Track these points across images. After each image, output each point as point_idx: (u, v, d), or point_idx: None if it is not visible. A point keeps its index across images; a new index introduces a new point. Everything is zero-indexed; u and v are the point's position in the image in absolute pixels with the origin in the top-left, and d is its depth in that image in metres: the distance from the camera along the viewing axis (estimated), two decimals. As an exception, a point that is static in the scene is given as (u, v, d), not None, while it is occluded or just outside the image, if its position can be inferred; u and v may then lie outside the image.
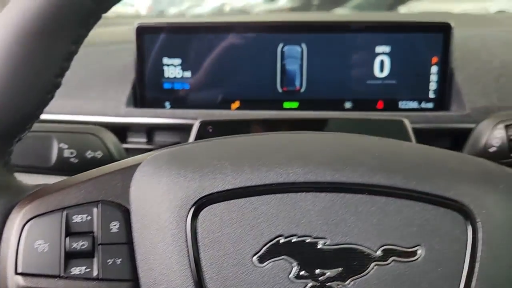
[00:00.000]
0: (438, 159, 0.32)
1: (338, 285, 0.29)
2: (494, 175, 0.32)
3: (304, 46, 0.64)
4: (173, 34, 0.65)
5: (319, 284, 0.29)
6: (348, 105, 0.65)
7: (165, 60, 0.66)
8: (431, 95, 0.65)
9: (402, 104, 0.65)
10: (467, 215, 0.30)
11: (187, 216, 0.30)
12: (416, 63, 0.64)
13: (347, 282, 0.29)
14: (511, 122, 0.49)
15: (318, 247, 0.29)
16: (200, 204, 0.30)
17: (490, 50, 0.67)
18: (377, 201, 0.30)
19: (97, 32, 0.90)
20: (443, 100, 0.65)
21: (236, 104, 0.67)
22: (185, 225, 0.30)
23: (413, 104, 0.65)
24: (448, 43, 0.63)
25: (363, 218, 0.29)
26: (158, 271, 0.29)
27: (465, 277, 0.29)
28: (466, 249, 0.29)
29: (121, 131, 0.67)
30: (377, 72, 0.65)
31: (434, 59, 0.64)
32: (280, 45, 0.64)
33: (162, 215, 0.30)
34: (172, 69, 0.66)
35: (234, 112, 0.65)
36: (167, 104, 0.67)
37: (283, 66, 0.65)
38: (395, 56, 0.64)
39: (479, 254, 0.29)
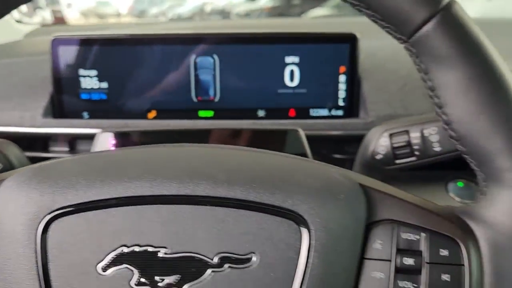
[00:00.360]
0: (284, 171, 0.34)
1: (176, 291, 0.31)
2: (334, 186, 0.34)
3: (216, 57, 0.66)
4: (88, 46, 0.66)
5: (157, 290, 0.31)
6: (261, 113, 0.68)
7: (81, 72, 0.67)
8: (341, 103, 0.68)
9: (313, 112, 0.68)
10: (302, 224, 0.32)
11: (37, 229, 0.31)
12: (325, 73, 0.67)
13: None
14: (395, 131, 0.51)
15: (159, 255, 0.31)
16: (52, 217, 0.32)
17: (398, 59, 0.70)
18: (217, 212, 0.32)
19: (23, 43, 0.91)
20: (351, 108, 0.68)
21: (153, 113, 0.68)
22: (35, 237, 0.31)
23: (324, 112, 0.68)
24: (354, 53, 0.66)
25: (202, 228, 0.31)
26: (10, 281, 0.31)
27: (297, 281, 0.31)
28: (299, 255, 0.32)
29: (41, 141, 0.69)
30: (287, 82, 0.67)
31: (342, 69, 0.67)
32: (193, 57, 0.66)
33: (15, 228, 0.31)
34: (89, 80, 0.67)
35: (149, 122, 0.67)
36: (85, 114, 0.68)
37: (196, 76, 0.67)
38: (304, 66, 0.66)
39: (311, 260, 0.31)
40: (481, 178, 0.35)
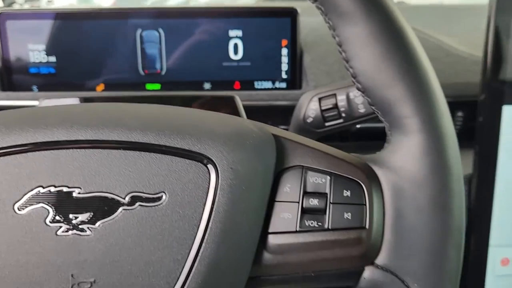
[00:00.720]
0: (197, 120, 0.37)
1: (89, 227, 0.33)
2: (245, 133, 0.36)
3: (161, 31, 0.68)
4: (35, 20, 0.68)
5: (71, 226, 0.33)
6: (207, 86, 0.70)
7: (30, 46, 0.68)
8: (284, 75, 0.70)
9: (258, 84, 0.71)
10: (210, 165, 0.34)
11: None
12: (267, 46, 0.69)
13: (97, 224, 0.33)
14: (323, 95, 0.54)
15: (73, 195, 0.33)
16: None
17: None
18: (130, 155, 0.34)
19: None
20: (294, 80, 0.70)
21: (101, 86, 0.70)
22: None
23: (268, 84, 0.71)
24: (295, 27, 0.69)
25: (115, 170, 0.34)
26: None
27: (205, 218, 0.34)
28: (207, 194, 0.34)
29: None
30: (232, 55, 0.70)
31: (284, 42, 0.69)
32: (139, 31, 0.68)
33: None
34: (37, 54, 0.69)
35: (97, 94, 0.69)
36: (34, 88, 0.70)
37: (143, 50, 0.69)
38: (247, 39, 0.69)
39: (217, 198, 0.34)
40: (386, 127, 0.38)
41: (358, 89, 0.38)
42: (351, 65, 0.37)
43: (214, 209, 0.34)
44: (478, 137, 0.62)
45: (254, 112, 0.64)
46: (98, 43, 0.69)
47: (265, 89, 0.70)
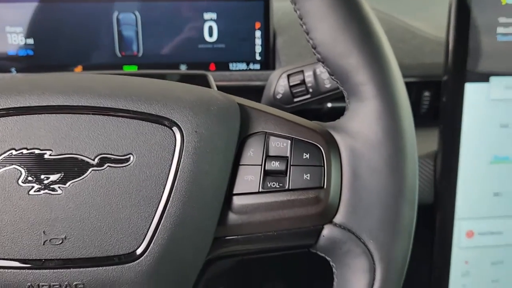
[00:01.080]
0: (165, 88, 0.39)
1: (60, 187, 0.35)
2: (210, 100, 0.38)
3: (137, 13, 0.70)
4: (13, 3, 0.69)
5: (43, 186, 0.35)
6: (183, 67, 0.72)
7: (8, 28, 0.70)
8: (258, 57, 0.72)
9: (232, 66, 0.72)
10: (175, 129, 0.36)
11: None
12: (241, 29, 0.71)
13: (67, 184, 0.35)
14: (292, 72, 0.56)
15: (45, 157, 0.35)
16: None
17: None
18: (99, 119, 0.36)
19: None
20: (267, 61, 0.72)
21: (79, 68, 0.72)
22: None
23: (242, 66, 0.73)
24: (268, 10, 0.71)
25: (85, 133, 0.35)
26: None
27: (171, 178, 0.36)
28: (173, 156, 0.36)
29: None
30: (207, 37, 0.71)
31: (257, 25, 0.71)
32: (116, 13, 0.70)
33: None
34: (15, 36, 0.70)
35: (75, 76, 0.70)
36: (13, 70, 0.71)
37: (119, 32, 0.70)
38: (221, 22, 0.71)
39: (182, 160, 0.36)
40: (345, 95, 0.40)
41: (318, 59, 0.40)
42: (311, 36, 0.39)
43: (179, 169, 0.36)
44: (442, 115, 0.64)
45: (228, 92, 0.66)
46: (75, 25, 0.70)
47: (239, 70, 0.72)
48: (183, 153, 0.36)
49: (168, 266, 0.36)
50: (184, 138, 0.36)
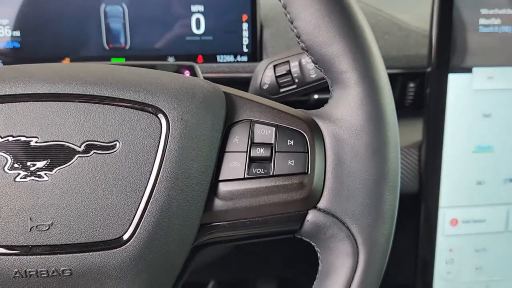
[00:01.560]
0: (151, 77, 0.39)
1: (46, 173, 0.35)
2: (195, 88, 0.39)
3: (124, 5, 0.70)
4: (-2, -5, 0.69)
5: (29, 173, 0.35)
6: (171, 60, 0.72)
7: (-6, 21, 0.69)
8: (245, 49, 0.73)
9: (220, 58, 0.73)
10: (161, 116, 0.37)
11: None
12: (229, 21, 0.72)
13: (54, 171, 0.35)
14: (278, 62, 0.57)
15: (31, 144, 0.35)
16: None
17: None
18: (85, 107, 0.36)
19: None
20: (255, 54, 0.73)
21: (66, 61, 0.71)
22: None
23: (230, 58, 0.73)
24: (255, 2, 0.71)
25: (71, 121, 0.36)
26: None
27: (157, 164, 0.36)
28: (159, 142, 0.36)
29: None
30: (194, 30, 0.72)
31: (245, 17, 0.72)
32: (103, 5, 0.70)
33: None
34: (1, 29, 0.70)
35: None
36: (-1, 62, 0.71)
37: (107, 25, 0.70)
38: (209, 14, 0.71)
39: (168, 146, 0.36)
40: (329, 83, 0.41)
41: (302, 48, 0.41)
42: (294, 25, 0.40)
43: (165, 156, 0.36)
44: (426, 106, 0.65)
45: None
46: (62, 18, 0.70)
47: (227, 62, 0.73)
48: (169, 140, 0.36)
49: (154, 252, 0.36)
50: (170, 125, 0.37)
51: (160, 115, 0.37)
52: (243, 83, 0.71)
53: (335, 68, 0.40)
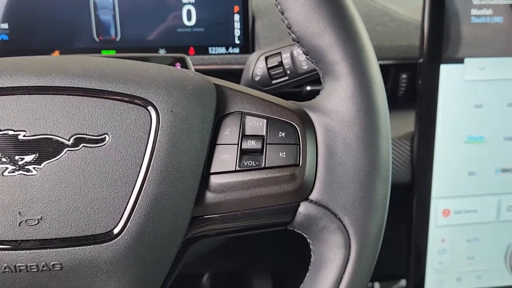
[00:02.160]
0: (141, 69, 0.39)
1: (34, 167, 0.35)
2: (185, 80, 0.38)
3: (114, -3, 0.69)
4: (-14, -14, 0.68)
5: (17, 167, 0.35)
6: (162, 52, 0.72)
7: (-19, 13, 0.68)
8: (237, 41, 0.72)
9: (212, 50, 0.72)
10: (151, 109, 0.36)
11: None
12: (220, 12, 0.71)
13: (42, 165, 0.35)
14: (270, 53, 0.57)
15: (19, 138, 0.35)
16: None
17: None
18: (73, 100, 0.36)
19: None
20: (247, 45, 0.72)
21: (56, 53, 0.71)
22: None
23: (222, 50, 0.72)
24: (246, -7, 0.70)
25: (59, 114, 0.35)
26: None
27: (147, 157, 0.36)
28: (149, 135, 0.36)
29: None
30: (185, 21, 0.71)
31: (236, 8, 0.71)
32: (92, -3, 0.69)
33: None
34: (-11, 21, 0.69)
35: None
36: (-13, 55, 0.70)
37: (97, 16, 0.70)
38: (200, 5, 0.70)
39: (158, 139, 0.36)
40: (320, 74, 0.41)
41: (293, 39, 0.40)
42: (285, 16, 0.39)
43: (155, 148, 0.36)
44: (419, 97, 0.65)
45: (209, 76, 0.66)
46: (51, 9, 0.69)
47: (219, 54, 0.72)
48: (159, 133, 0.36)
49: (145, 245, 0.36)
50: (160, 117, 0.36)
51: (150, 108, 0.36)
52: (235, 75, 0.71)
53: (326, 59, 0.39)
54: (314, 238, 0.40)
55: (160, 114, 0.36)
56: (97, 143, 0.36)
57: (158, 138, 0.36)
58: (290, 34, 0.40)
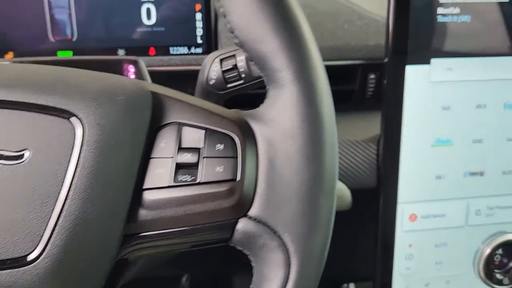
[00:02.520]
0: (70, 77, 0.36)
1: None
2: (117, 90, 0.36)
3: (69, -5, 0.66)
4: None
5: None
6: (121, 52, 0.69)
7: None
8: (199, 40, 0.70)
9: (173, 50, 0.70)
10: (76, 122, 0.34)
11: None
12: (181, 11, 0.69)
13: (-46, 184, 0.32)
14: (224, 56, 0.54)
15: None
16: None
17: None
18: None
19: None
20: (209, 45, 0.70)
21: (10, 55, 0.68)
22: None
23: (184, 50, 0.70)
24: (208, -10, 0.68)
25: None
26: None
27: (70, 174, 0.34)
28: (72, 150, 0.34)
29: None
30: (145, 20, 0.68)
31: (198, 7, 0.69)
32: (46, -5, 0.66)
33: None
34: None
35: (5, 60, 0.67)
36: None
37: (52, 16, 0.67)
38: (159, 4, 0.68)
39: (83, 154, 0.34)
40: (265, 82, 0.38)
41: (236, 44, 0.38)
42: (228, 19, 0.37)
43: (79, 164, 0.34)
44: (384, 98, 0.63)
45: (169, 78, 0.64)
46: (4, 8, 0.66)
47: (181, 54, 0.70)
48: (84, 147, 0.34)
49: (70, 268, 0.34)
50: (85, 131, 0.34)
51: (74, 120, 0.34)
52: (196, 77, 0.69)
53: (269, 66, 0.37)
54: (254, 256, 0.38)
55: (85, 127, 0.34)
56: (15, 160, 0.33)
57: (82, 154, 0.34)
58: (234, 38, 0.38)
